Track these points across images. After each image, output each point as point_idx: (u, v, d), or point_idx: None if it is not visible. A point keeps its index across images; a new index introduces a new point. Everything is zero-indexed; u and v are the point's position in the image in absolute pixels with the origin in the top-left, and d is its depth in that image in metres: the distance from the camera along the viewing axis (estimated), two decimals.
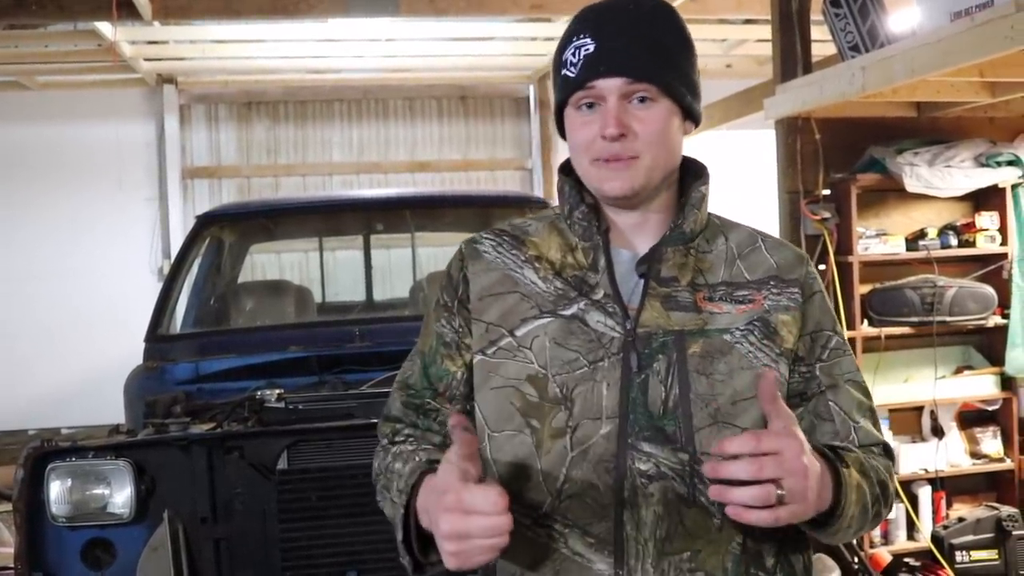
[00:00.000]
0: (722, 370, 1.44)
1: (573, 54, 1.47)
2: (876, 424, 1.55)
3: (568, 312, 1.48)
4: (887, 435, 4.82)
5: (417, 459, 1.49)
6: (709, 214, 1.58)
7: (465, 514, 1.25)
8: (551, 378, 1.44)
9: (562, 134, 1.55)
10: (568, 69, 1.47)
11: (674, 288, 1.48)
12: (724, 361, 1.44)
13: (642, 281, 1.49)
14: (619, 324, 1.45)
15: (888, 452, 1.55)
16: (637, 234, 1.53)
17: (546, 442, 1.44)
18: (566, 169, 1.58)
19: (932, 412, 4.92)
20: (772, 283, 1.51)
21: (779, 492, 1.26)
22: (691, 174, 1.57)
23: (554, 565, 1.43)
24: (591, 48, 1.45)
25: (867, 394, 1.56)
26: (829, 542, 1.47)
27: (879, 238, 4.77)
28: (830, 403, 1.51)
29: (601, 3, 1.51)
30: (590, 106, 1.46)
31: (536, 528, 1.44)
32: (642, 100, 1.45)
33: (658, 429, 1.41)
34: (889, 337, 4.79)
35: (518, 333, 1.48)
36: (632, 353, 1.44)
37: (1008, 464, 4.96)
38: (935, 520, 4.85)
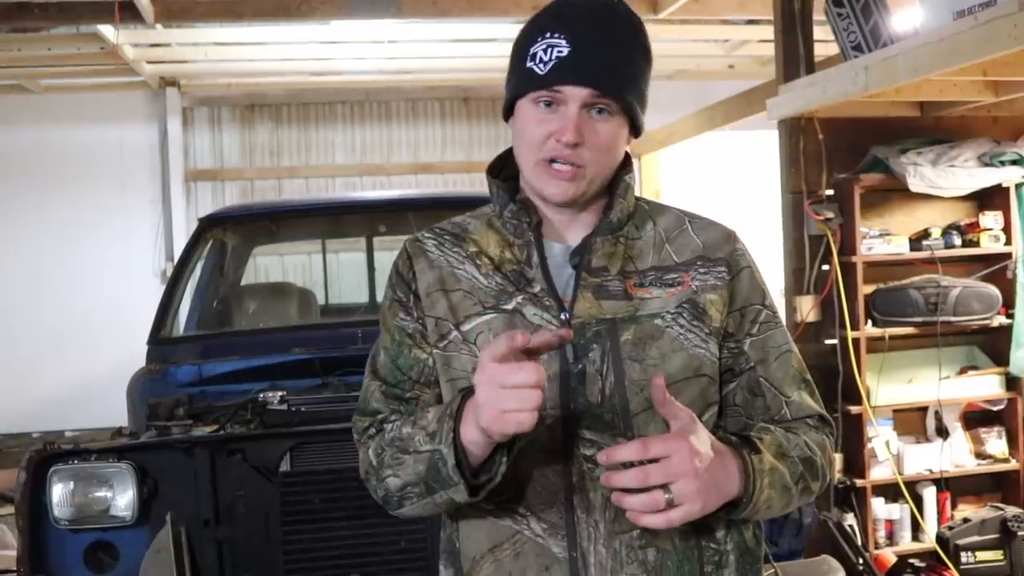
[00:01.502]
0: (654, 355, 1.48)
1: (545, 51, 1.48)
2: (812, 394, 1.59)
3: (508, 307, 1.52)
4: (891, 436, 4.82)
5: (432, 410, 1.49)
6: (637, 199, 1.62)
7: (501, 388, 1.30)
8: None
9: (506, 118, 1.58)
10: (536, 64, 1.48)
11: (604, 277, 1.52)
12: (656, 346, 1.49)
13: (574, 272, 1.53)
14: (555, 317, 1.50)
15: (825, 421, 1.58)
16: (569, 227, 1.57)
17: None
18: (493, 170, 1.62)
19: (936, 412, 4.91)
20: (699, 263, 1.55)
21: (667, 496, 1.33)
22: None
23: (515, 547, 1.49)
24: (564, 52, 1.47)
25: (800, 365, 1.59)
26: (755, 519, 1.53)
27: (883, 238, 4.76)
28: (760, 379, 1.55)
29: (578, 4, 1.52)
30: (548, 104, 1.49)
31: (498, 511, 1.50)
32: (600, 111, 1.49)
33: (597, 416, 1.46)
34: (893, 337, 4.78)
35: (464, 328, 1.53)
36: (567, 344, 1.46)
37: (1013, 464, 4.95)
38: (940, 521, 4.84)
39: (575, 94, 1.47)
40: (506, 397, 1.30)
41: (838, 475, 4.65)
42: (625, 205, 1.57)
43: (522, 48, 1.52)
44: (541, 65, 1.47)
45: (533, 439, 1.45)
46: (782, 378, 1.56)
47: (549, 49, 1.48)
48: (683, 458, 1.33)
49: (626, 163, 1.59)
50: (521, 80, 1.51)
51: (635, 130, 1.56)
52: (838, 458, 4.68)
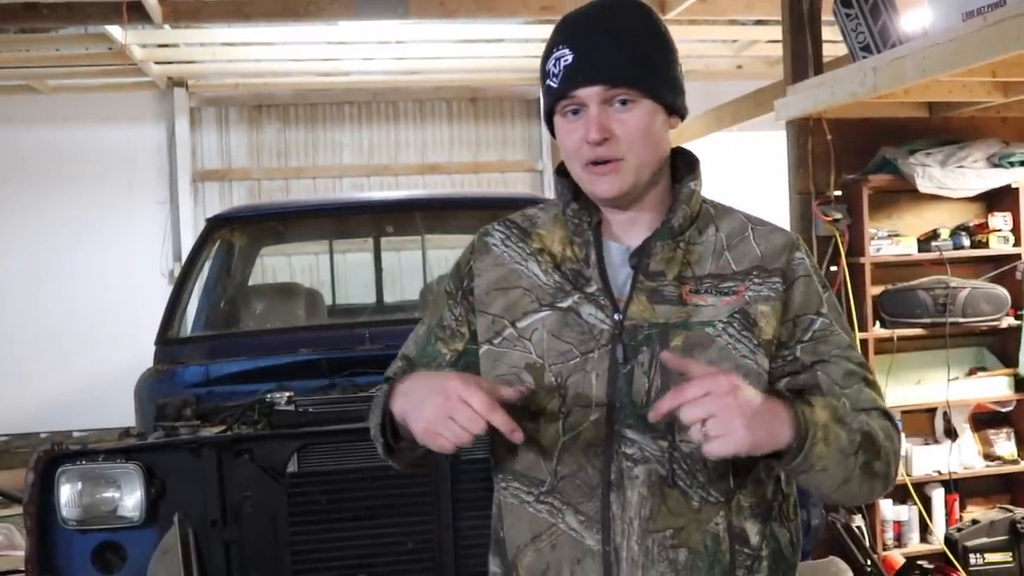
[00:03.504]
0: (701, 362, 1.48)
1: (554, 65, 1.55)
2: (876, 391, 1.58)
3: (564, 305, 1.57)
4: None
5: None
6: (704, 201, 1.63)
7: (459, 400, 1.39)
8: (547, 368, 1.55)
9: (555, 136, 1.63)
10: (551, 80, 1.56)
11: (660, 282, 1.55)
12: (704, 354, 1.51)
13: (632, 274, 1.57)
14: (608, 317, 1.55)
15: (888, 416, 1.56)
16: (629, 228, 1.60)
17: (542, 426, 1.55)
18: (562, 171, 1.66)
19: (945, 414, 4.90)
20: (755, 273, 1.57)
21: (703, 429, 1.32)
22: (685, 164, 1.64)
23: (552, 539, 1.56)
24: (570, 59, 1.53)
25: (862, 365, 1.58)
26: (814, 488, 1.51)
27: (891, 239, 4.75)
28: (818, 373, 1.55)
29: (578, 13, 1.59)
30: (575, 112, 1.54)
31: (537, 504, 1.57)
32: (623, 103, 1.53)
33: (641, 418, 1.50)
34: (901, 338, 4.77)
35: (519, 325, 1.59)
36: (619, 345, 1.53)
37: (1022, 466, 4.93)
38: (948, 522, 4.83)
39: (589, 94, 1.51)
40: (447, 427, 1.40)
41: None
42: (688, 211, 1.59)
43: (542, 70, 1.59)
44: (554, 79, 1.55)
45: (578, 434, 1.53)
46: (841, 374, 1.55)
47: (557, 61, 1.54)
48: (722, 392, 1.33)
49: (693, 166, 1.63)
50: (545, 99, 1.59)
51: (676, 113, 1.59)
52: None
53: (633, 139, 1.52)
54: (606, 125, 1.51)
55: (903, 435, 4.81)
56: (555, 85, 1.54)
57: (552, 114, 1.59)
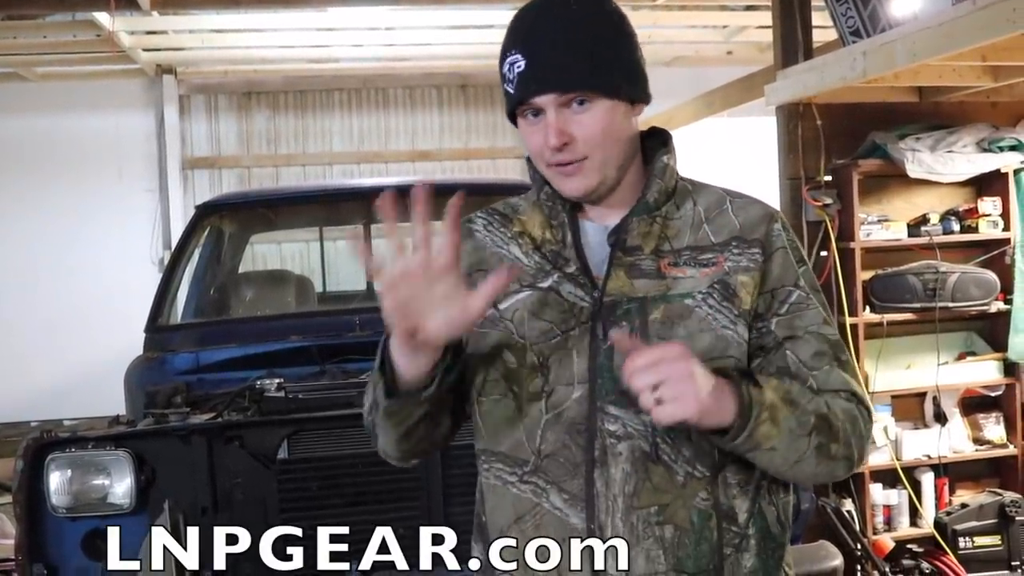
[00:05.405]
0: (681, 334, 1.50)
1: (508, 70, 1.53)
2: (847, 372, 1.57)
3: (544, 284, 1.57)
4: (889, 421, 4.82)
5: None
6: (680, 178, 1.63)
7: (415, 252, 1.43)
8: (529, 347, 1.55)
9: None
10: (507, 85, 1.54)
11: (638, 256, 1.55)
12: (684, 325, 1.51)
13: (611, 251, 1.56)
14: (588, 294, 1.54)
15: (857, 398, 1.55)
16: (606, 210, 1.60)
17: (525, 406, 1.55)
18: None
19: (935, 398, 4.91)
20: (734, 244, 1.56)
21: (655, 395, 1.35)
22: (659, 143, 1.63)
23: (535, 519, 1.54)
24: (522, 65, 1.51)
25: (834, 344, 1.57)
26: (767, 467, 1.50)
27: (881, 224, 4.75)
28: (787, 352, 1.55)
29: (528, 11, 1.55)
30: (535, 114, 1.53)
31: (520, 484, 1.56)
32: (581, 103, 1.50)
33: (623, 393, 1.47)
34: (891, 323, 4.78)
35: (501, 306, 1.57)
36: (599, 321, 1.52)
37: (1011, 450, 4.95)
38: (938, 506, 4.85)
39: (544, 102, 1.50)
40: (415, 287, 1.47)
41: None
42: (663, 186, 1.59)
43: (500, 70, 1.57)
44: (510, 84, 1.53)
45: (561, 412, 1.52)
46: (811, 354, 1.55)
47: (511, 67, 1.52)
48: (672, 357, 1.35)
49: (666, 141, 1.63)
50: (505, 101, 1.57)
51: (640, 99, 1.57)
52: None
53: (594, 140, 1.51)
54: (564, 129, 1.50)
55: (893, 420, 4.85)
56: (512, 91, 1.53)
57: (515, 114, 1.58)
